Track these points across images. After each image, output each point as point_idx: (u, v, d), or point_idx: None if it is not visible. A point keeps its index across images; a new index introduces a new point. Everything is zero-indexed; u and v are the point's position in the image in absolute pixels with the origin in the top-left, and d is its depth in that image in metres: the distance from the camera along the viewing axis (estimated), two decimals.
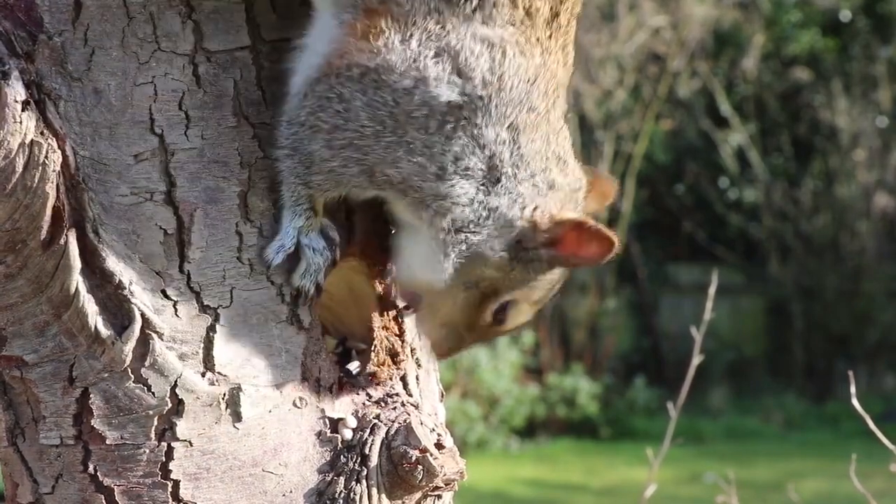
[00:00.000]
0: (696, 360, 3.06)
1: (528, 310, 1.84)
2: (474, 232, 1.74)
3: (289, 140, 1.73)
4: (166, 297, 1.75)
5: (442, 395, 2.02)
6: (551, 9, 1.71)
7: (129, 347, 1.73)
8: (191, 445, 1.76)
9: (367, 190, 1.75)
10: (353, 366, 1.91)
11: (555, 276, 1.83)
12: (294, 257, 1.79)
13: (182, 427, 1.75)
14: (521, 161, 1.72)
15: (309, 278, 1.78)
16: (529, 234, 1.75)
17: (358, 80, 1.67)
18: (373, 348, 1.92)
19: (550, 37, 1.72)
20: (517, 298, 1.81)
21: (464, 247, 1.75)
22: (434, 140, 1.68)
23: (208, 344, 1.77)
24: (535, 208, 1.75)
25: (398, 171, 1.70)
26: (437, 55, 1.66)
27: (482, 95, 1.67)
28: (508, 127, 1.70)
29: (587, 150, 15.84)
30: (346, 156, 1.70)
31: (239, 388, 1.77)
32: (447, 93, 1.67)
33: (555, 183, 1.76)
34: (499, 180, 1.72)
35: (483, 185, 1.72)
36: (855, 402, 2.67)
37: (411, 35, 1.66)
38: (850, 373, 2.83)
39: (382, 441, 1.83)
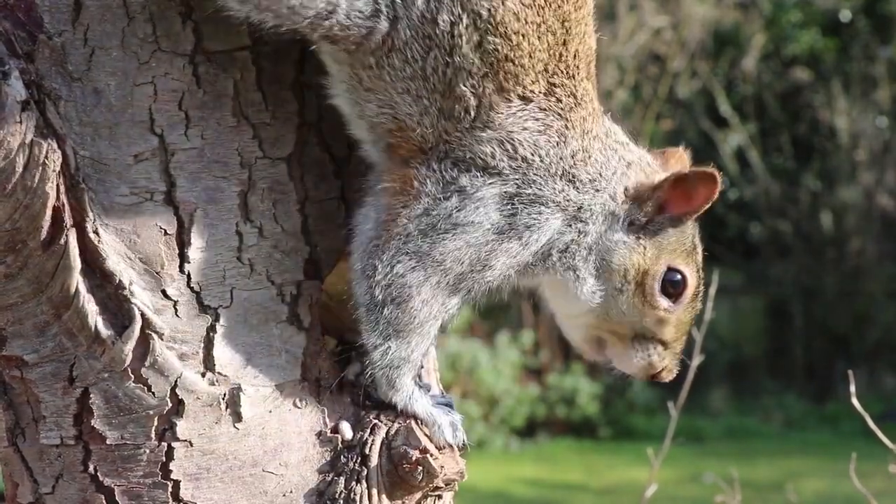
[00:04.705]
0: (696, 360, 3.05)
1: (687, 265, 1.84)
2: (579, 244, 1.78)
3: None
4: (166, 297, 1.75)
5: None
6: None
7: (130, 347, 1.73)
8: (191, 445, 1.76)
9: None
10: (353, 370, 1.90)
11: (686, 228, 1.85)
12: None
13: (182, 427, 1.75)
14: (591, 165, 1.77)
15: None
16: (635, 211, 1.79)
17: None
18: None
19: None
20: (669, 265, 1.82)
21: (584, 254, 1.79)
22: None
23: (208, 344, 1.77)
24: (624, 189, 1.79)
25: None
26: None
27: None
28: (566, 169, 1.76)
29: None
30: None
31: (239, 389, 1.77)
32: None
33: (629, 161, 1.81)
34: (578, 189, 1.77)
35: (568, 216, 1.78)
36: (855, 401, 2.67)
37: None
38: (850, 373, 2.83)
39: (383, 441, 1.83)
